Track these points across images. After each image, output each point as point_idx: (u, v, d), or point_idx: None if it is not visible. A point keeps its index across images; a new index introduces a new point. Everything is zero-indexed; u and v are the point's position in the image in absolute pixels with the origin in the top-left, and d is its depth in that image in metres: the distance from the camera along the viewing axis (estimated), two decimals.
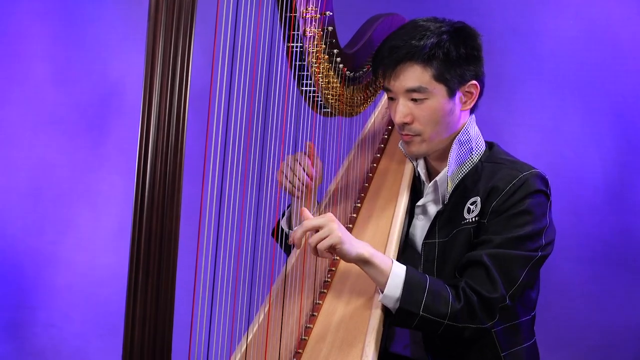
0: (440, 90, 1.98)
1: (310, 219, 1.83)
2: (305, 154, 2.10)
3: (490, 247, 1.90)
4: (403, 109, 2.00)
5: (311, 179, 2.12)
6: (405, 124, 2.01)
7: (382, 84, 2.11)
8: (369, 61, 2.21)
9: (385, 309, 1.88)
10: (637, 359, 3.22)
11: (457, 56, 1.98)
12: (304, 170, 2.10)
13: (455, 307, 1.84)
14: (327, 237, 1.80)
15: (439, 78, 1.98)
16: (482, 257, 1.88)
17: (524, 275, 1.90)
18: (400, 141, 2.11)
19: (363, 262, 1.84)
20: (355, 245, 1.83)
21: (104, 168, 3.52)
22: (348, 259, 1.84)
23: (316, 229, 1.82)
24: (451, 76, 1.98)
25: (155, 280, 1.40)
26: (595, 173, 3.24)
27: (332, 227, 1.81)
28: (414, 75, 1.98)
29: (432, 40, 1.97)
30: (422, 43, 1.97)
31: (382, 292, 1.84)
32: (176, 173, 1.41)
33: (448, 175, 2.03)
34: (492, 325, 1.90)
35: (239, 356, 1.89)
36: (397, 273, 1.84)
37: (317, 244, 1.81)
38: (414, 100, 1.99)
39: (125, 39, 3.47)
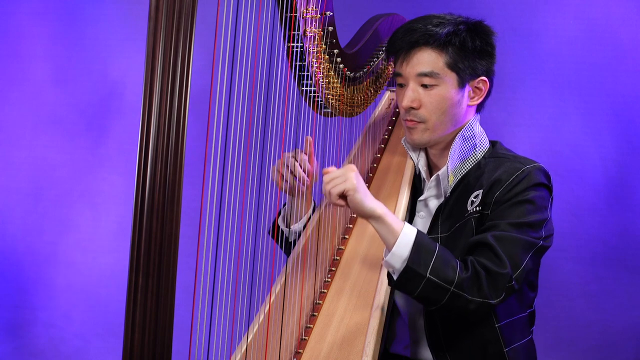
0: (451, 78, 1.99)
1: (331, 171, 1.86)
2: (302, 151, 2.10)
3: (495, 230, 1.90)
4: (412, 94, 2.01)
5: (309, 177, 2.11)
6: (412, 108, 2.01)
7: (393, 71, 2.11)
8: (370, 61, 2.22)
9: (385, 304, 1.88)
10: (637, 359, 3.22)
11: (472, 47, 1.99)
12: (301, 167, 2.09)
13: (462, 276, 1.83)
14: (342, 182, 1.82)
15: (452, 66, 1.99)
16: (488, 238, 1.88)
17: (527, 260, 1.90)
18: (404, 137, 2.11)
19: (375, 219, 1.85)
20: (370, 198, 1.85)
21: (104, 168, 3.52)
22: (360, 210, 1.84)
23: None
24: (464, 66, 1.99)
25: (156, 283, 1.41)
26: (595, 173, 3.24)
27: (349, 175, 1.83)
28: (428, 60, 1.99)
29: (449, 28, 1.99)
30: (439, 29, 1.99)
31: (391, 251, 1.83)
32: (176, 175, 1.41)
33: (450, 169, 2.03)
34: (498, 304, 1.88)
35: (239, 357, 1.89)
36: (408, 233, 1.84)
37: (330, 189, 1.83)
38: (424, 86, 2.00)
39: (125, 40, 3.47)
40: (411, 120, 2.03)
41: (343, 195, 1.83)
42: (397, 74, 2.05)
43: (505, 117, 3.26)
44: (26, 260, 3.53)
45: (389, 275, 1.88)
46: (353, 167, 1.85)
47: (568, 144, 3.26)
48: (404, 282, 1.84)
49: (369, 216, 1.85)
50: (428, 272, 1.81)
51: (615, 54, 3.21)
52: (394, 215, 1.88)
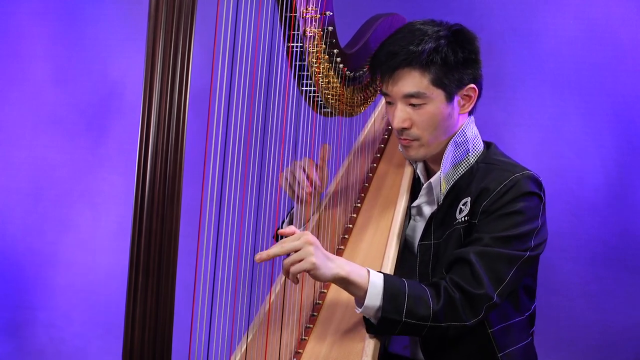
0: (438, 95, 1.98)
1: (286, 242, 1.77)
2: (312, 160, 2.08)
3: (478, 245, 1.89)
4: (401, 114, 2.00)
5: (314, 188, 2.10)
6: (404, 129, 2.01)
7: (379, 88, 2.10)
8: (369, 61, 2.21)
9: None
10: (637, 359, 3.22)
11: (455, 61, 1.97)
12: (308, 179, 2.08)
13: (436, 308, 1.81)
14: (301, 261, 1.75)
15: (437, 83, 1.97)
16: (469, 255, 1.87)
17: (512, 273, 1.89)
18: (399, 145, 2.11)
19: (340, 282, 1.80)
20: (330, 266, 1.77)
21: (104, 168, 3.52)
22: (324, 281, 1.81)
23: (293, 251, 1.76)
24: (449, 81, 1.97)
25: (155, 281, 1.41)
26: (595, 173, 3.23)
27: (308, 251, 1.75)
28: (412, 81, 1.97)
29: (429, 45, 1.96)
30: (420, 48, 1.96)
31: (363, 304, 1.80)
32: (176, 174, 1.41)
33: (441, 175, 2.03)
34: (477, 323, 1.87)
35: (239, 356, 1.89)
36: (375, 283, 1.81)
37: (291, 270, 1.76)
38: (413, 105, 1.99)
39: (125, 39, 3.47)
40: (405, 139, 2.03)
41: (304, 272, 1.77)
42: (384, 93, 2.04)
43: (505, 117, 3.26)
44: (26, 260, 3.53)
45: (366, 321, 1.85)
46: (309, 238, 1.76)
47: (568, 144, 3.25)
48: (382, 329, 1.83)
49: (333, 281, 1.81)
50: (403, 316, 1.80)
51: (615, 54, 3.21)
52: (356, 268, 1.81)
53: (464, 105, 2.03)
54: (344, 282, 1.80)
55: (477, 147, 2.06)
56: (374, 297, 1.80)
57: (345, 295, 1.96)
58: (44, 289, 3.53)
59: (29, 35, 3.51)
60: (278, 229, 2.20)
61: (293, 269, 1.75)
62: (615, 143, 3.22)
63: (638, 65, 3.19)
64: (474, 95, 2.03)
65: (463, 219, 1.97)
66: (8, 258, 3.53)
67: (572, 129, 3.25)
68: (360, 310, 1.82)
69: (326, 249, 2.07)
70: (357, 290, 1.81)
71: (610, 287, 3.23)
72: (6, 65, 3.52)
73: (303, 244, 1.76)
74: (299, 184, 2.08)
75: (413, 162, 2.13)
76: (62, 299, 3.52)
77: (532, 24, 3.26)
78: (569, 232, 3.21)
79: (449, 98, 1.99)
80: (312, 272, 1.76)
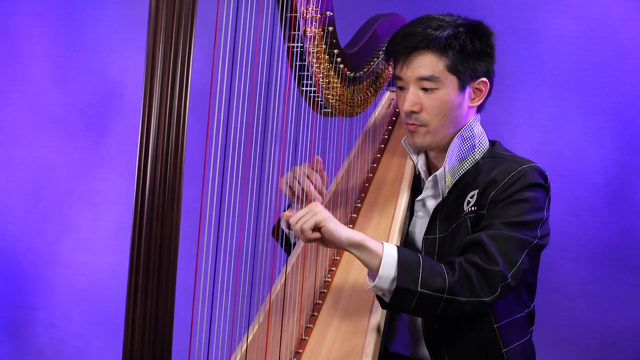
0: (451, 81, 1.99)
1: (294, 215, 1.79)
2: (313, 168, 2.08)
3: (489, 229, 1.89)
4: (412, 97, 2.00)
5: (322, 195, 2.09)
6: (413, 112, 2.01)
7: (392, 73, 2.10)
8: (370, 61, 2.22)
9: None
10: (637, 359, 3.22)
11: (472, 50, 1.99)
12: (315, 186, 2.07)
13: (451, 280, 1.80)
14: (312, 216, 1.77)
15: (452, 69, 1.98)
16: (481, 237, 1.87)
17: (523, 257, 1.89)
18: (404, 137, 2.11)
19: (355, 246, 1.79)
20: (343, 227, 1.79)
21: (104, 168, 3.52)
22: (337, 239, 1.78)
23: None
24: (464, 69, 1.99)
25: (156, 284, 1.40)
26: (595, 173, 3.24)
27: (317, 209, 1.77)
28: (428, 64, 1.98)
29: (448, 31, 1.98)
30: (438, 33, 1.98)
31: (377, 275, 1.79)
32: (176, 176, 1.41)
33: (447, 168, 2.03)
34: (494, 302, 1.86)
35: (239, 357, 1.90)
36: (390, 252, 1.80)
37: (302, 226, 1.76)
38: (425, 89, 2.00)
39: (125, 40, 3.47)
40: (412, 124, 2.03)
41: (316, 228, 1.77)
42: (397, 77, 2.04)
43: (505, 117, 3.26)
44: (26, 260, 3.54)
45: (380, 298, 1.85)
46: (316, 202, 1.80)
47: (568, 144, 3.26)
48: (397, 301, 1.80)
49: (348, 244, 1.79)
50: (419, 286, 1.78)
51: (615, 54, 3.21)
52: (370, 238, 1.82)
53: (474, 98, 2.04)
54: (359, 248, 1.79)
55: (483, 143, 2.07)
56: (389, 266, 1.79)
57: (345, 295, 1.96)
58: (44, 289, 3.53)
59: (29, 35, 3.51)
60: (277, 224, 2.20)
61: (306, 224, 1.76)
62: (615, 143, 3.22)
63: (638, 65, 3.20)
64: (485, 90, 2.04)
65: (470, 209, 1.97)
66: (8, 258, 3.53)
67: (572, 129, 3.25)
68: (373, 283, 1.80)
69: (327, 249, 2.08)
70: (371, 258, 1.80)
71: (610, 287, 3.23)
72: (6, 65, 3.52)
73: (311, 205, 1.79)
74: (303, 190, 2.07)
75: (414, 154, 2.12)
76: (62, 299, 3.52)
77: (532, 24, 3.26)
78: (569, 232, 3.21)
79: (461, 86, 2.00)
80: (324, 225, 1.76)
